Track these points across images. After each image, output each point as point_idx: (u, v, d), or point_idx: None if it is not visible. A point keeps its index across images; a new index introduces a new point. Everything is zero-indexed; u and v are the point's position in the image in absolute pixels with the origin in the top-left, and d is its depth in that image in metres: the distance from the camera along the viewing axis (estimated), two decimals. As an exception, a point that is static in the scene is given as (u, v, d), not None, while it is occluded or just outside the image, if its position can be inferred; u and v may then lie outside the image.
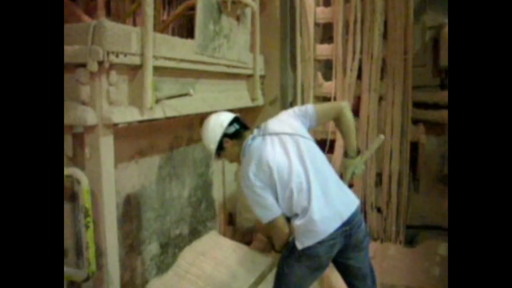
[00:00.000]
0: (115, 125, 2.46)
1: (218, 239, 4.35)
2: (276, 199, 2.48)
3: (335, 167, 4.08)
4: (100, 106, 2.30)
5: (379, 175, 4.67)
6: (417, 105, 4.62)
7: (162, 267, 3.60)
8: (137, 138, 3.14)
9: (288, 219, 2.55)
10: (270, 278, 3.91)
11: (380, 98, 4.54)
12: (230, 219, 4.80)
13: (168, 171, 3.56)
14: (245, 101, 4.07)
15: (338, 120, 2.69)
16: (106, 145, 2.38)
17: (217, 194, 4.47)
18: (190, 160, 3.90)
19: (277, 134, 2.55)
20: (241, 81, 4.10)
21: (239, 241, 4.60)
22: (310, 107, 2.66)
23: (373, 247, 4.45)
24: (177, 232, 3.78)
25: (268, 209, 2.49)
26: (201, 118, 3.91)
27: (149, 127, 3.21)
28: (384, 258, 4.53)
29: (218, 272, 3.88)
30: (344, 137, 2.76)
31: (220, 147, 2.68)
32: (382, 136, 2.99)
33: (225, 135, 2.65)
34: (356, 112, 4.56)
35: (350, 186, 4.50)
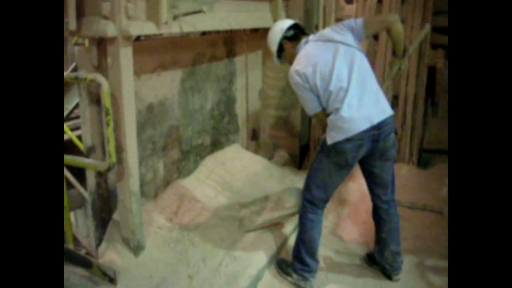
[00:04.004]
0: (136, 39, 2.78)
1: (239, 151, 4.73)
2: (318, 97, 2.81)
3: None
4: (119, 20, 2.60)
5: (395, 97, 4.84)
6: (438, 30, 4.67)
7: (184, 171, 4.02)
8: (160, 53, 3.44)
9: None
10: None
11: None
12: (254, 135, 5.14)
13: (191, 85, 3.88)
14: (267, 22, 4.26)
15: (388, 31, 2.91)
16: (126, 55, 2.70)
17: (240, 109, 4.79)
18: (213, 76, 4.20)
19: (330, 41, 2.83)
20: (264, 3, 4.28)
21: (261, 155, 4.96)
22: (359, 21, 2.87)
23: (386, 166, 4.70)
24: (199, 141, 4.16)
25: (311, 104, 2.86)
26: (224, 37, 4.19)
27: (171, 44, 3.50)
28: (396, 177, 4.71)
29: (236, 180, 4.28)
30: (394, 43, 3.00)
31: (281, 49, 3.06)
32: (428, 26, 3.26)
33: (285, 38, 3.01)
34: (375, 36, 4.69)
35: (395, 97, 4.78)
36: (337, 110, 2.72)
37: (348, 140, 2.72)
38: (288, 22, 3.05)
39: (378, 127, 2.73)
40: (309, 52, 2.83)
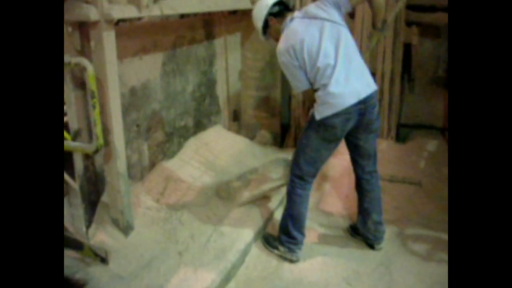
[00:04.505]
0: (117, 23, 2.81)
1: (222, 132, 4.80)
2: (306, 75, 2.89)
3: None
4: (101, 4, 2.63)
5: (372, 74, 4.92)
6: (413, 7, 4.78)
7: (168, 153, 4.08)
8: (141, 37, 3.47)
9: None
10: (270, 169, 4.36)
11: (375, 0, 4.71)
12: (235, 116, 5.21)
13: (172, 67, 3.93)
14: (244, 3, 4.32)
15: (370, 2, 2.97)
16: (109, 38, 2.73)
17: (221, 91, 4.85)
18: (193, 58, 4.24)
19: (315, 18, 2.89)
20: (241, -16, 4.34)
21: (243, 136, 5.04)
22: None
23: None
24: (182, 123, 4.22)
25: (300, 81, 2.94)
26: (203, 20, 4.23)
27: (152, 27, 3.53)
28: None
29: (219, 159, 4.36)
30: (374, 14, 3.09)
31: (266, 25, 3.11)
32: None
33: (270, 14, 3.06)
34: (352, 14, 4.77)
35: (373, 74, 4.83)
36: (325, 86, 2.80)
37: (336, 115, 2.82)
38: None
39: (364, 101, 2.84)
40: (296, 29, 2.88)
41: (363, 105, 2.84)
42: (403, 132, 5.30)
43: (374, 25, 3.19)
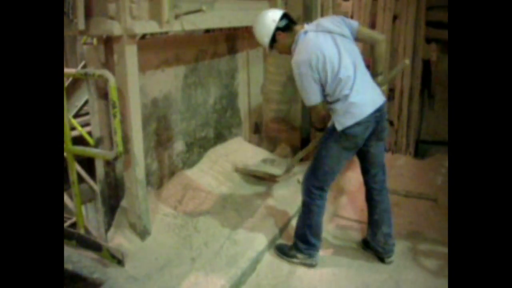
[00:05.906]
0: (142, 38, 2.98)
1: (242, 144, 4.92)
2: (323, 86, 2.96)
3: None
4: (124, 20, 2.81)
5: (391, 90, 5.01)
6: (433, 24, 4.84)
7: (188, 163, 4.22)
8: (163, 50, 3.64)
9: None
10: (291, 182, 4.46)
11: (395, 17, 4.79)
12: (256, 128, 5.32)
13: (194, 80, 4.08)
14: (266, 19, 4.43)
15: (372, 48, 3.14)
16: (131, 52, 2.90)
17: (243, 104, 4.98)
18: (215, 72, 4.39)
19: (330, 32, 3.00)
20: (263, 1, 4.45)
21: (264, 148, 5.14)
22: (355, 23, 3.08)
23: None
24: (203, 134, 4.36)
25: (312, 94, 2.98)
26: (226, 35, 4.37)
27: (175, 41, 3.70)
28: (393, 167, 4.93)
29: (238, 170, 4.47)
30: (373, 61, 3.20)
31: (273, 40, 3.14)
32: (406, 62, 3.40)
33: (278, 29, 3.09)
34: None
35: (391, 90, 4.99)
36: (346, 96, 2.90)
37: (358, 123, 2.92)
38: (279, 13, 3.11)
39: (379, 109, 2.97)
40: (314, 41, 2.95)
41: (379, 113, 2.97)
42: (422, 148, 5.32)
43: (372, 75, 3.21)
